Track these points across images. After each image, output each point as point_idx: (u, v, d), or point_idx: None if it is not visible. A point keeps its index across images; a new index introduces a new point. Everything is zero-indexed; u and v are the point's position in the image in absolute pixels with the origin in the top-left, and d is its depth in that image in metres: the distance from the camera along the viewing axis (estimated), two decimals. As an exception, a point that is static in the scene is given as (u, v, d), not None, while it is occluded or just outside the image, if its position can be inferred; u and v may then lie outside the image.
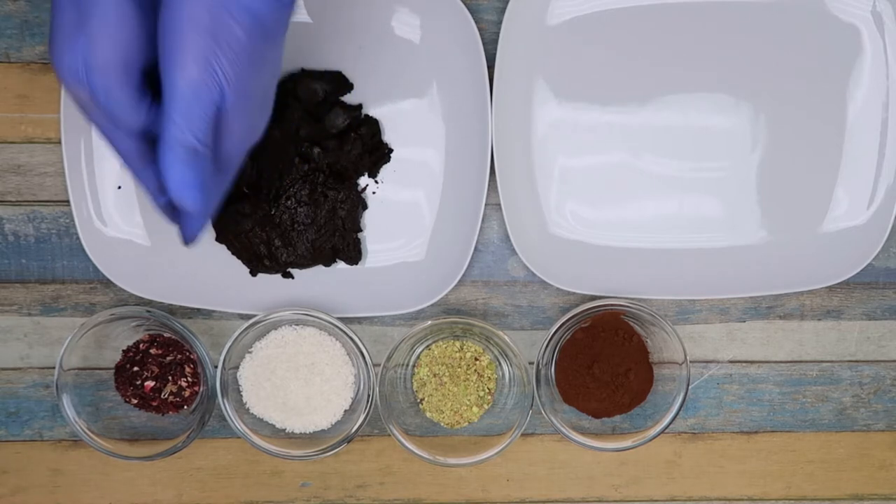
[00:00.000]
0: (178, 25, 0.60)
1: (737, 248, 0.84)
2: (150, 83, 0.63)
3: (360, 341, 0.82)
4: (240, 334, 0.81)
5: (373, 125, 0.82)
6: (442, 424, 0.85)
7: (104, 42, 0.61)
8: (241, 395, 0.84)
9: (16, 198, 0.83)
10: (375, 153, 0.82)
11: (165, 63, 0.60)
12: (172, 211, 0.68)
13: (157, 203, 0.68)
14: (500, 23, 0.80)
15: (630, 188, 0.84)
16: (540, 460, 0.88)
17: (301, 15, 0.80)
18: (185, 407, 0.84)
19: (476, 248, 0.84)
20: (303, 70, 0.81)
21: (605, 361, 0.82)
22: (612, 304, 0.82)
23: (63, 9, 0.62)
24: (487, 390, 0.85)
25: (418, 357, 0.85)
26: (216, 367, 0.82)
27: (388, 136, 0.83)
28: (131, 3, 0.61)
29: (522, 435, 0.85)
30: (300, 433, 0.84)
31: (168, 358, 0.84)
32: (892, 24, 0.81)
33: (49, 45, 0.63)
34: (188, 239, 0.68)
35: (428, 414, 0.85)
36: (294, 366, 0.83)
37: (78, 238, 0.81)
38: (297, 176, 0.80)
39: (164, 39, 0.60)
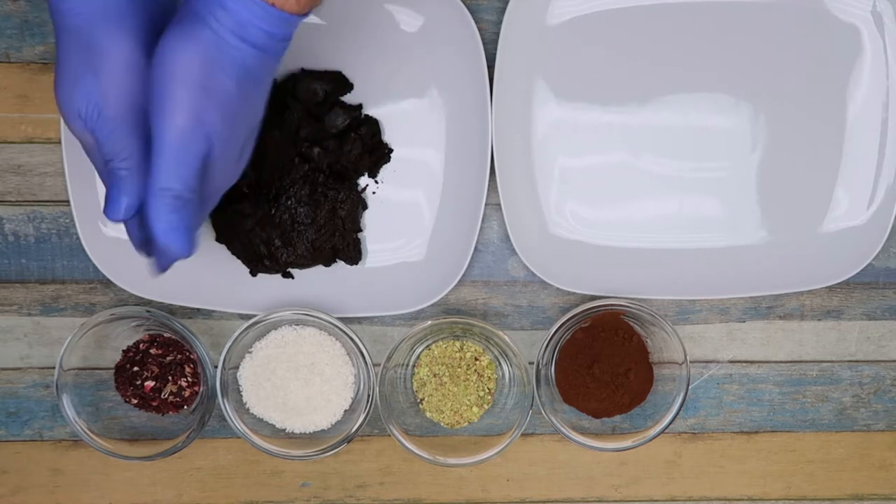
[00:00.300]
0: (169, 77, 0.61)
1: (737, 248, 0.84)
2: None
3: (360, 341, 0.82)
4: (240, 334, 0.81)
5: (373, 125, 0.82)
6: (442, 424, 0.85)
7: (115, 89, 0.62)
8: (241, 395, 0.84)
9: (16, 198, 0.83)
10: (375, 153, 0.82)
11: (155, 113, 0.61)
12: (148, 245, 0.68)
13: (134, 238, 0.68)
14: (500, 23, 0.80)
15: (630, 188, 0.84)
16: (540, 460, 0.88)
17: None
18: (185, 407, 0.84)
19: (476, 248, 0.84)
20: (303, 70, 0.81)
21: (605, 361, 0.82)
22: (612, 304, 0.82)
23: (70, 50, 0.62)
24: (487, 390, 0.85)
25: (418, 357, 0.85)
26: (216, 367, 0.82)
27: (388, 136, 0.83)
28: (141, 51, 0.62)
29: (522, 435, 0.85)
30: (300, 433, 0.84)
31: (168, 358, 0.84)
32: (892, 24, 0.81)
33: (55, 86, 0.63)
34: (161, 269, 0.68)
35: (428, 414, 0.85)
36: (294, 366, 0.83)
37: (78, 238, 0.81)
38: (297, 176, 0.80)
39: (155, 90, 0.61)
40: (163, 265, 0.67)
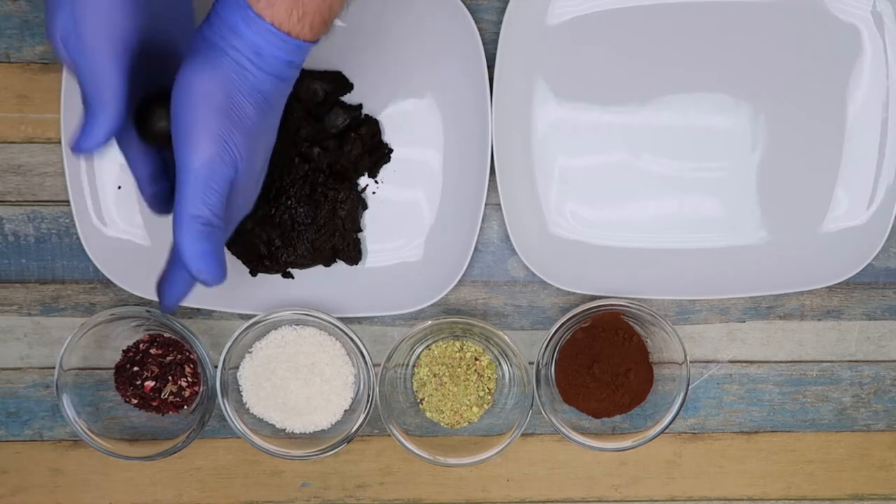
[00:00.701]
0: (193, 105, 0.61)
1: (737, 248, 0.84)
2: (147, 66, 0.64)
3: (360, 341, 0.82)
4: (240, 334, 0.81)
5: (373, 125, 0.82)
6: (442, 424, 0.85)
7: (91, 13, 0.61)
8: (241, 395, 0.84)
9: (16, 198, 0.83)
10: (375, 153, 0.82)
11: (180, 140, 0.61)
12: (162, 202, 0.68)
13: (146, 192, 0.68)
14: (500, 23, 0.80)
15: (630, 188, 0.84)
16: (540, 460, 0.88)
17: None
18: (185, 407, 0.84)
19: (476, 248, 0.84)
20: (303, 70, 0.81)
21: (605, 361, 0.82)
22: (612, 304, 0.82)
23: None
24: (487, 390, 0.85)
25: (418, 357, 0.85)
26: (216, 367, 0.82)
27: (388, 136, 0.83)
28: None
29: (522, 435, 0.85)
30: (300, 433, 0.84)
31: (168, 358, 0.84)
32: (892, 24, 0.81)
33: (45, 17, 0.63)
34: (168, 308, 0.68)
35: (428, 414, 0.85)
36: (294, 366, 0.83)
37: (78, 238, 0.81)
38: (297, 176, 0.80)
39: (178, 119, 0.61)
40: (171, 301, 0.68)
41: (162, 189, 0.69)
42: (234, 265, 0.82)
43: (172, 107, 0.62)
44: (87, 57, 0.61)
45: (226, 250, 0.82)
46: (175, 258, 0.66)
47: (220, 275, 0.64)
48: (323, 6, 0.62)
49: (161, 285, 0.68)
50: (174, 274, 0.67)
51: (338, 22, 0.66)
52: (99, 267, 0.82)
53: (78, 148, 0.63)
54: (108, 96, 0.62)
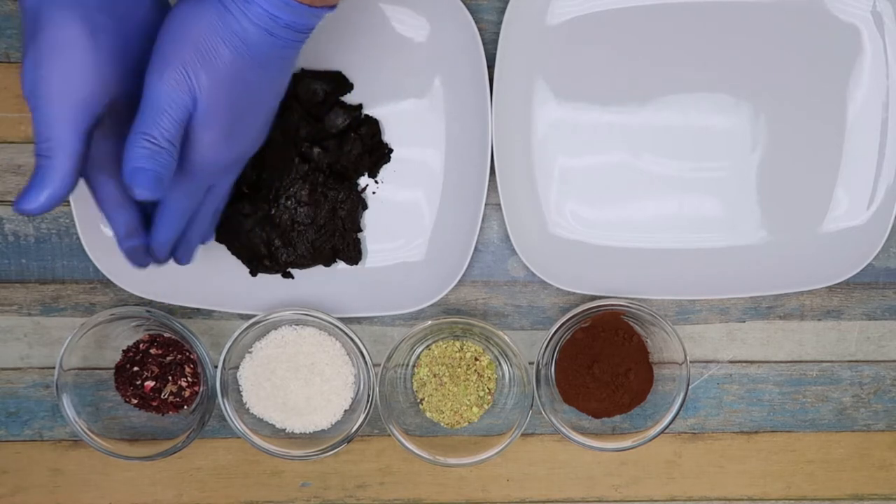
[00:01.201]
0: (168, 36, 0.63)
1: (737, 248, 0.84)
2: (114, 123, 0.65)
3: (360, 341, 0.82)
4: (240, 334, 0.81)
5: (373, 125, 0.82)
6: (442, 424, 0.85)
7: (48, 64, 0.61)
8: (241, 395, 0.84)
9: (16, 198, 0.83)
10: (375, 153, 0.82)
11: (150, 66, 0.63)
12: (141, 256, 0.70)
13: (123, 247, 0.69)
14: (500, 23, 0.80)
15: (630, 188, 0.84)
16: (540, 460, 0.88)
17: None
18: (185, 407, 0.84)
19: (476, 248, 0.84)
20: (303, 70, 0.81)
21: (605, 361, 0.82)
22: (612, 304, 0.82)
23: (25, 30, 0.62)
24: (487, 390, 0.85)
25: (418, 357, 0.85)
26: (216, 367, 0.82)
27: (388, 136, 0.83)
28: (83, 32, 0.61)
29: (522, 435, 0.85)
30: (300, 433, 0.84)
31: (168, 358, 0.84)
32: (892, 24, 0.81)
33: None
34: (156, 258, 0.70)
35: (428, 414, 0.85)
36: (294, 366, 0.83)
37: (78, 238, 0.81)
38: (297, 176, 0.80)
39: (156, 48, 0.63)
40: (136, 258, 0.70)
41: (140, 243, 0.70)
42: (235, 265, 0.82)
43: (156, 40, 0.63)
44: (44, 115, 0.61)
45: (226, 250, 0.82)
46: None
47: (152, 190, 0.63)
48: None
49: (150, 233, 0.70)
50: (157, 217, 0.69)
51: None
52: (99, 267, 0.82)
53: (20, 209, 0.62)
54: (58, 161, 0.61)
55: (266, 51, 0.64)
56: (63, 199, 0.62)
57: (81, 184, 0.81)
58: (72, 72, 0.61)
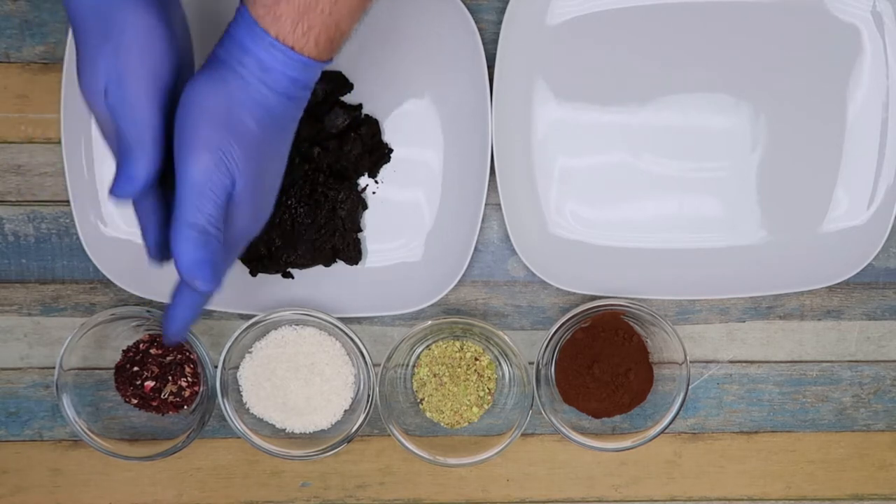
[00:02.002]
0: (195, 116, 0.62)
1: (737, 248, 0.84)
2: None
3: (360, 341, 0.82)
4: (240, 334, 0.81)
5: (373, 125, 0.82)
6: (442, 424, 0.85)
7: (136, 53, 0.62)
8: (241, 395, 0.84)
9: (16, 198, 0.83)
10: (375, 153, 0.82)
11: (181, 150, 0.62)
12: (163, 251, 0.68)
13: (149, 239, 0.68)
14: (500, 23, 0.80)
15: (630, 188, 0.84)
16: (540, 460, 0.88)
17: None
18: (185, 407, 0.84)
19: (476, 248, 0.84)
20: (303, 70, 0.81)
21: (605, 361, 0.82)
22: (612, 304, 0.82)
23: (88, 31, 0.62)
24: (487, 390, 0.85)
25: (418, 357, 0.85)
26: (216, 367, 0.82)
27: (388, 136, 0.83)
28: (158, 18, 0.63)
29: (522, 435, 0.85)
30: (300, 433, 0.84)
31: (168, 358, 0.84)
32: (892, 24, 0.81)
33: (78, 76, 0.63)
34: (173, 334, 0.68)
35: (428, 414, 0.85)
36: (294, 366, 0.83)
37: (78, 238, 0.81)
38: (297, 176, 0.80)
39: (179, 130, 0.63)
40: (175, 328, 0.68)
41: (164, 237, 0.69)
42: (235, 265, 0.82)
43: (175, 120, 0.63)
44: (130, 102, 0.62)
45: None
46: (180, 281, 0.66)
47: (213, 283, 0.64)
48: (329, 22, 0.62)
49: (166, 310, 0.68)
50: (178, 295, 0.67)
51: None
52: (99, 267, 0.82)
53: (121, 193, 0.63)
54: (148, 139, 0.63)
55: (283, 112, 0.65)
56: (153, 182, 0.64)
57: (79, 181, 0.81)
58: (152, 54, 0.62)
